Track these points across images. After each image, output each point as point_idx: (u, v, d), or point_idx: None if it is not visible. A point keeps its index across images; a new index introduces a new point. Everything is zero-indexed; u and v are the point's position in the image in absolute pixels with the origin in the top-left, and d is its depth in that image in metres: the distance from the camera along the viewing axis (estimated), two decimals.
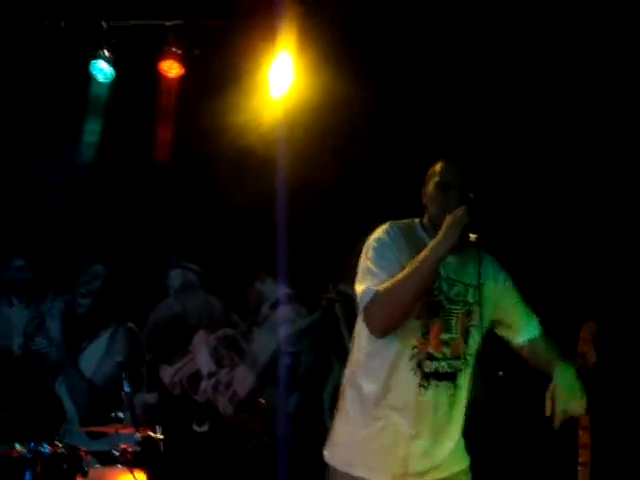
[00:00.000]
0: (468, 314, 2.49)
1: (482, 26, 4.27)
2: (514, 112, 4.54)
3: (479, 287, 2.45)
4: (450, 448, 2.53)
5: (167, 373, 5.46)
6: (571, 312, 4.18)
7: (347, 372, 2.59)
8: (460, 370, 2.49)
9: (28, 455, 3.38)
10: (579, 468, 3.51)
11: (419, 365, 2.44)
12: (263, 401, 4.92)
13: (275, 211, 4.95)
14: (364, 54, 4.48)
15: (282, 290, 5.41)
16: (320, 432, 5.12)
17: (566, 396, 2.36)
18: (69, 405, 5.42)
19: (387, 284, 2.31)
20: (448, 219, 2.32)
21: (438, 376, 2.46)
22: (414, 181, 4.63)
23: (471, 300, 2.49)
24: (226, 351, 5.48)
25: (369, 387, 2.48)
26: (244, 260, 5.43)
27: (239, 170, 4.87)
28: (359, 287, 2.40)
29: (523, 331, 2.59)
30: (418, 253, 2.35)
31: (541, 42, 4.20)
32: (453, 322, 2.47)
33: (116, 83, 4.60)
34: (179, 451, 5.14)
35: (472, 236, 2.29)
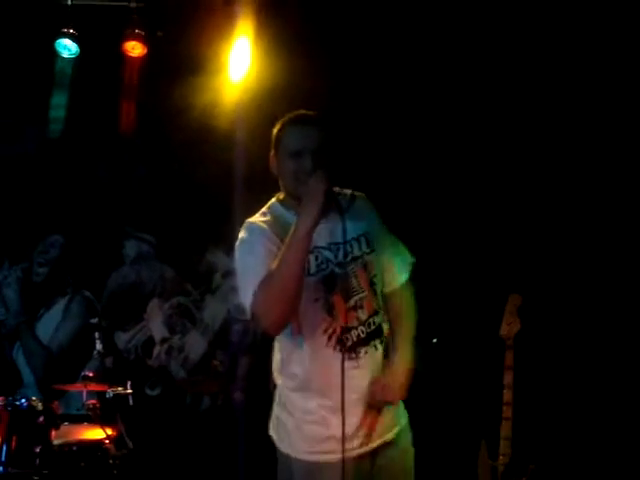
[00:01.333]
0: (365, 267, 2.41)
1: (439, 10, 4.49)
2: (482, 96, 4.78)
3: (365, 234, 2.43)
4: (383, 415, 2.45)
5: (122, 339, 5.66)
6: (498, 285, 4.61)
7: (274, 375, 2.60)
8: (383, 322, 2.44)
9: (8, 408, 3.61)
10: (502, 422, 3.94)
11: (339, 343, 2.33)
12: (216, 363, 5.19)
13: (230, 187, 5.17)
14: (320, 40, 4.71)
15: (232, 261, 5.63)
16: (267, 395, 5.50)
17: (382, 391, 2.36)
18: (26, 370, 5.59)
19: (263, 278, 2.16)
20: (306, 190, 2.16)
21: (362, 342, 2.38)
22: (369, 162, 4.99)
23: (359, 253, 2.41)
24: (179, 318, 5.69)
25: (294, 384, 2.44)
26: (196, 232, 5.64)
27: (198, 146, 5.10)
28: (241, 297, 2.26)
29: (388, 279, 2.51)
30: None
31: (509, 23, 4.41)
32: (354, 283, 2.38)
33: (81, 60, 4.76)
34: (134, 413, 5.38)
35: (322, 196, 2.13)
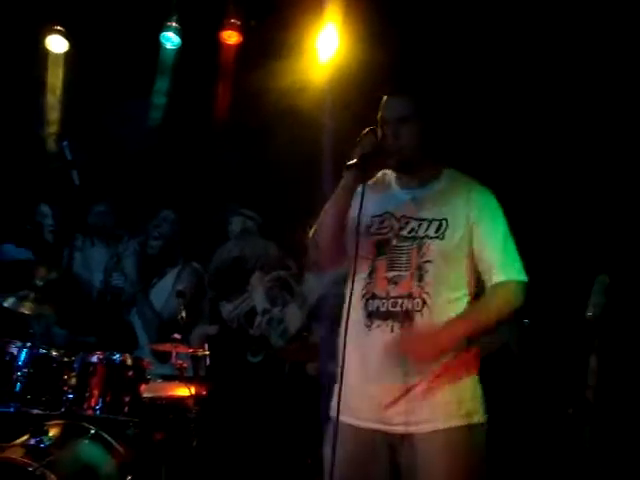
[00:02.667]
0: (419, 249, 2.38)
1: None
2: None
3: (442, 220, 2.40)
4: (423, 399, 2.33)
5: (226, 309, 6.04)
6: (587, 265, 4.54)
7: None
8: (416, 311, 2.34)
9: (104, 361, 4.09)
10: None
11: (365, 305, 2.39)
12: (306, 334, 5.44)
13: (323, 166, 5.41)
14: (405, 26, 4.85)
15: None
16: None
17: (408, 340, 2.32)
18: (141, 333, 6.14)
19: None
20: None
21: (380, 315, 2.36)
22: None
23: (422, 234, 2.39)
24: (279, 291, 5.96)
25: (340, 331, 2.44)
26: (298, 211, 5.68)
27: (291, 127, 5.28)
28: None
29: (482, 273, 2.43)
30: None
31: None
32: (403, 259, 2.38)
33: (182, 50, 5.16)
34: (235, 377, 5.76)
35: (352, 162, 2.33)
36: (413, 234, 2.39)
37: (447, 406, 2.35)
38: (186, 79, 5.41)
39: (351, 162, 2.34)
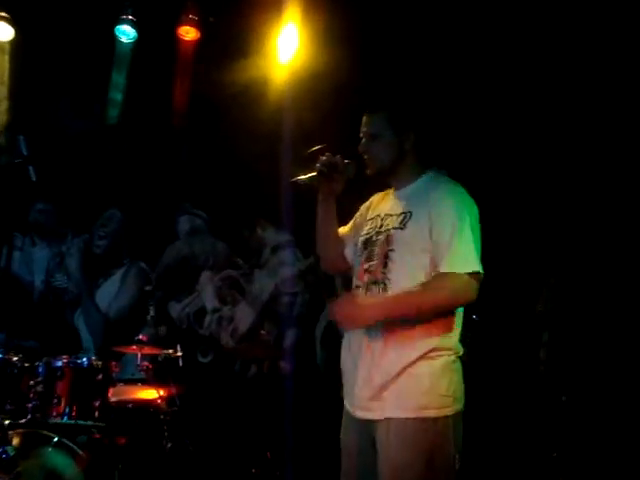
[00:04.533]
0: (386, 240, 2.57)
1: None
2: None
3: (407, 213, 2.57)
4: (380, 385, 2.46)
5: (175, 309, 5.96)
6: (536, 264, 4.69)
7: None
8: (379, 294, 2.52)
9: (70, 365, 3.95)
10: None
11: (353, 295, 2.62)
12: (264, 333, 5.43)
13: (278, 164, 5.34)
14: (361, 27, 4.85)
15: (283, 236, 5.81)
16: (312, 364, 5.68)
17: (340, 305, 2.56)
18: (86, 335, 5.97)
19: None
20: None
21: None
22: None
23: (390, 227, 2.58)
24: (229, 290, 5.93)
25: None
26: (247, 208, 5.86)
27: (248, 125, 5.25)
28: None
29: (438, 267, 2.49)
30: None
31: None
32: (376, 250, 2.59)
33: (138, 44, 5.03)
34: (186, 378, 5.68)
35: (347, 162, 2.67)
36: (384, 227, 2.61)
37: (399, 396, 2.46)
38: (142, 74, 5.27)
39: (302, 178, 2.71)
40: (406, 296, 2.46)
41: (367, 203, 2.85)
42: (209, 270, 6.00)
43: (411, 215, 2.56)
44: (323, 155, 2.70)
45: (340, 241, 2.85)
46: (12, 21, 5.00)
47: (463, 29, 4.62)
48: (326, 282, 5.70)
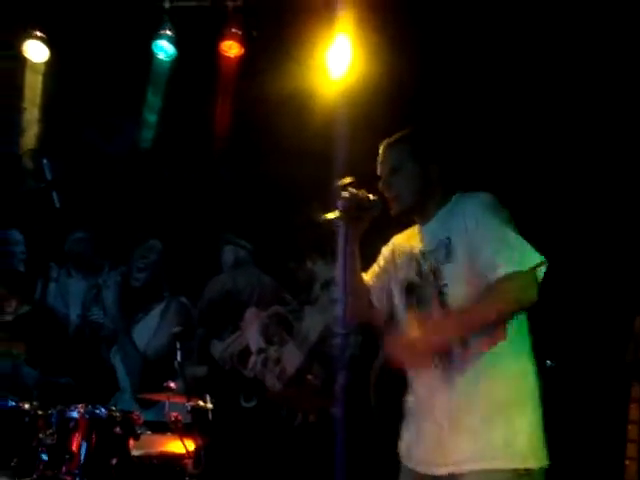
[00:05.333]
0: (436, 276, 2.39)
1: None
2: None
3: (446, 239, 2.37)
4: (462, 440, 2.27)
5: (218, 348, 5.57)
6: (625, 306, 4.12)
7: None
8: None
9: (86, 416, 3.51)
10: (626, 462, 3.48)
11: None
12: (310, 377, 4.97)
13: (331, 190, 4.97)
14: (419, 38, 4.48)
15: (333, 271, 5.38)
16: (365, 412, 5.24)
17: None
18: (122, 374, 5.59)
19: None
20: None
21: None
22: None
23: (435, 262, 2.40)
24: (276, 328, 5.55)
25: None
26: (296, 239, 5.48)
27: (297, 148, 4.91)
28: None
29: (487, 273, 2.26)
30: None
31: None
32: (427, 292, 2.41)
33: (178, 61, 4.68)
34: (227, 424, 5.26)
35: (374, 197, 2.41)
36: (429, 265, 2.42)
37: (487, 445, 2.25)
38: (181, 94, 4.91)
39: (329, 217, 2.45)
40: (473, 306, 2.27)
41: (389, 246, 2.66)
42: (254, 306, 5.60)
43: (450, 242, 2.37)
44: (347, 191, 2.46)
45: (366, 287, 2.63)
46: (47, 41, 4.71)
47: (473, 47, 4.30)
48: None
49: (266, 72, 4.71)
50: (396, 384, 5.68)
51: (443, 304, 2.36)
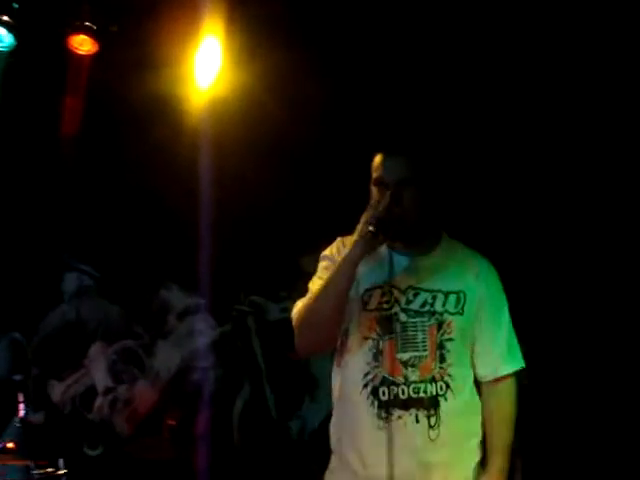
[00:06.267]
0: (440, 326, 2.22)
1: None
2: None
3: (460, 293, 2.25)
4: None
5: (57, 390, 4.97)
6: None
7: None
8: (440, 395, 2.20)
9: None
10: None
11: (374, 393, 2.20)
12: (171, 422, 4.44)
13: (189, 211, 4.52)
14: (300, 40, 4.13)
15: (192, 299, 5.09)
16: (230, 454, 4.82)
17: None
18: None
19: (306, 299, 2.23)
20: (364, 215, 2.16)
21: (401, 404, 2.18)
22: (344, 184, 4.44)
23: (441, 309, 2.24)
24: (126, 365, 5.09)
25: (333, 421, 2.34)
26: (148, 263, 5.04)
27: (156, 161, 4.48)
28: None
29: (481, 364, 2.32)
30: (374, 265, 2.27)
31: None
32: (419, 338, 2.21)
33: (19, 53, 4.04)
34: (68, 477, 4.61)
35: (370, 228, 2.11)
36: (428, 308, 2.23)
37: None
38: (22, 90, 4.28)
39: (369, 229, 2.12)
40: (507, 439, 2.28)
41: (340, 250, 2.31)
42: (100, 340, 5.09)
43: (464, 296, 2.25)
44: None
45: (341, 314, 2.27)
46: None
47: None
48: (245, 356, 5.09)
49: (126, 73, 4.17)
50: (262, 421, 5.28)
51: (442, 359, 2.22)
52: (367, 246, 2.13)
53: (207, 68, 4.16)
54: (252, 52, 4.13)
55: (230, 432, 4.93)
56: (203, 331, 5.09)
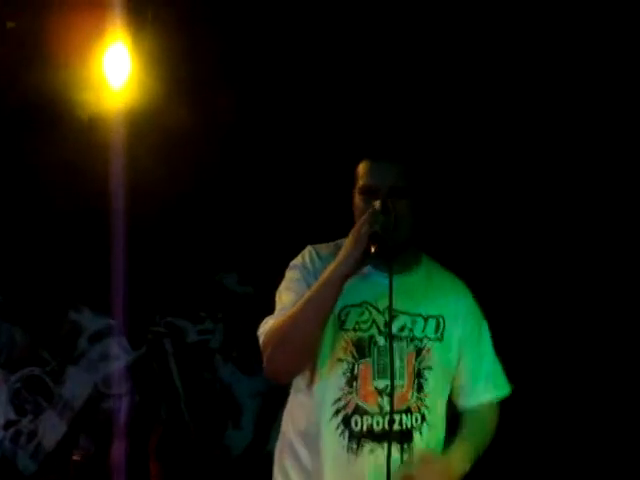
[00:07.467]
0: (419, 352, 2.11)
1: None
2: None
3: (439, 317, 2.14)
4: None
5: None
6: None
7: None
8: (415, 428, 2.08)
9: None
10: None
11: (345, 422, 2.05)
12: (77, 458, 4.18)
13: (100, 227, 4.37)
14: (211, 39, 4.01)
15: (104, 320, 4.96)
16: None
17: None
18: None
19: (282, 316, 2.03)
20: (354, 228, 1.99)
21: (374, 436, 2.04)
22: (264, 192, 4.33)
23: (420, 335, 2.12)
24: (30, 394, 4.91)
25: (300, 449, 2.11)
26: (56, 285, 4.88)
27: (65, 169, 4.27)
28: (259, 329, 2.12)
29: (464, 395, 2.23)
30: None
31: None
32: (396, 364, 2.07)
33: None
34: None
35: (372, 248, 1.95)
36: (407, 333, 2.12)
37: None
38: None
39: (352, 243, 1.99)
40: (476, 443, 2.16)
41: (314, 261, 2.13)
42: (1, 368, 4.89)
43: (444, 321, 2.16)
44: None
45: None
46: None
47: None
48: (162, 380, 4.99)
49: (27, 74, 3.93)
50: (181, 450, 5.07)
51: (419, 389, 2.10)
52: (361, 261, 1.96)
53: (116, 72, 3.97)
54: (161, 57, 3.99)
55: (147, 462, 4.70)
56: (117, 355, 5.00)
